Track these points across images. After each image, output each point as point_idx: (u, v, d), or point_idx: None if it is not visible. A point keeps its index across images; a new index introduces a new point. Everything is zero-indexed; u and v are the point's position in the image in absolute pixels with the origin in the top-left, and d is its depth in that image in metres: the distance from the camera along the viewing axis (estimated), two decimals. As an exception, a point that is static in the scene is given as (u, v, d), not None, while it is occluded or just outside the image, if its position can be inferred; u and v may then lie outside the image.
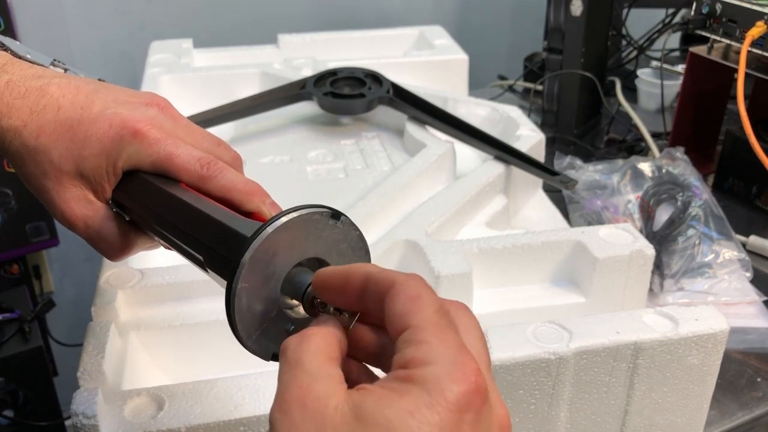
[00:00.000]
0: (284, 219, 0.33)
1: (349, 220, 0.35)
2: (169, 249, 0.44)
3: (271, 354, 0.34)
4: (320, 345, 0.29)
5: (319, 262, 0.35)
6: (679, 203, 0.81)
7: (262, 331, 0.34)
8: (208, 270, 0.38)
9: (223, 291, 0.33)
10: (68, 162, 0.42)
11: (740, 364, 0.68)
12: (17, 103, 0.41)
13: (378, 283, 0.30)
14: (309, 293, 0.34)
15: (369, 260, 0.36)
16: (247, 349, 0.34)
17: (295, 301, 0.35)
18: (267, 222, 0.33)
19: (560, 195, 0.89)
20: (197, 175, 0.41)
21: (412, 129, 0.79)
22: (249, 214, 0.39)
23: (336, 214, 0.34)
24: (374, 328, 0.32)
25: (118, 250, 0.45)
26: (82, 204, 0.43)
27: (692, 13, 0.92)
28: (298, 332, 0.30)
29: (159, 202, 0.41)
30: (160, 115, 0.43)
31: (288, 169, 0.75)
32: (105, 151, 0.42)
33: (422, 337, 0.27)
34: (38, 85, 0.42)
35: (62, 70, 0.47)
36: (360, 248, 0.36)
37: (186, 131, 0.44)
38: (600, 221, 0.82)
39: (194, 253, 0.38)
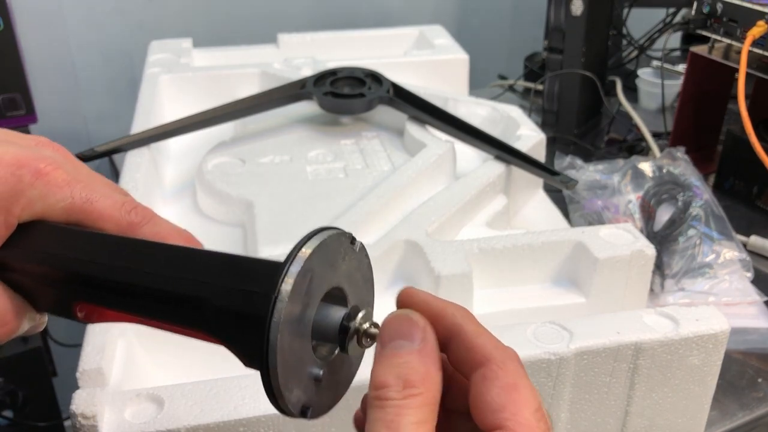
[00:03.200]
0: (316, 239, 0.28)
1: (363, 245, 0.31)
2: (113, 313, 0.34)
3: (300, 407, 0.28)
4: (425, 413, 0.25)
5: (338, 294, 0.30)
6: (679, 203, 0.81)
7: (295, 378, 0.28)
8: (209, 313, 0.30)
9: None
10: None
11: (741, 364, 0.68)
12: None
13: (470, 350, 0.27)
14: (357, 325, 0.29)
15: (374, 293, 0.33)
16: (279, 402, 0.27)
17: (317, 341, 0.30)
18: (297, 244, 0.28)
19: (561, 195, 0.89)
20: (126, 222, 0.34)
21: (412, 129, 0.79)
22: None
23: (353, 238, 0.30)
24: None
25: (7, 328, 0.34)
26: None
27: (693, 12, 0.92)
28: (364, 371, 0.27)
29: (108, 251, 0.33)
30: (57, 155, 0.35)
31: (288, 169, 0.75)
32: None
33: None
34: None
35: None
36: (369, 279, 0.32)
37: (89, 176, 0.35)
38: (600, 221, 0.82)
39: (183, 295, 0.31)
